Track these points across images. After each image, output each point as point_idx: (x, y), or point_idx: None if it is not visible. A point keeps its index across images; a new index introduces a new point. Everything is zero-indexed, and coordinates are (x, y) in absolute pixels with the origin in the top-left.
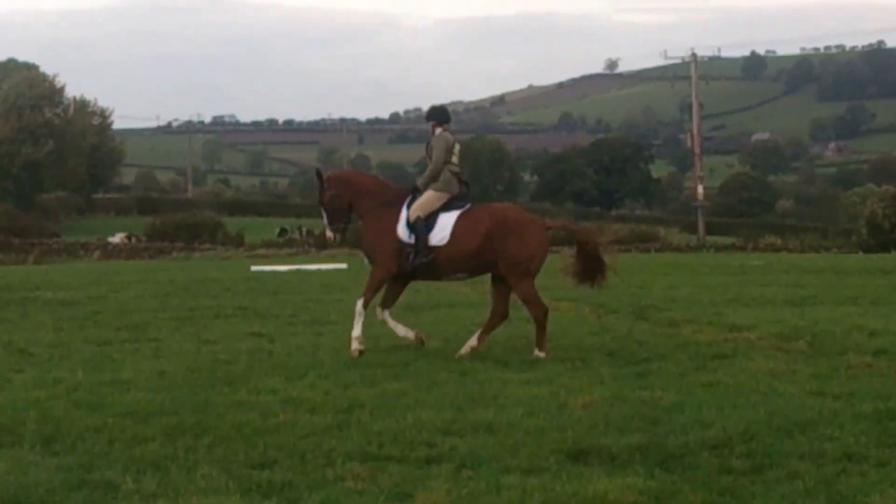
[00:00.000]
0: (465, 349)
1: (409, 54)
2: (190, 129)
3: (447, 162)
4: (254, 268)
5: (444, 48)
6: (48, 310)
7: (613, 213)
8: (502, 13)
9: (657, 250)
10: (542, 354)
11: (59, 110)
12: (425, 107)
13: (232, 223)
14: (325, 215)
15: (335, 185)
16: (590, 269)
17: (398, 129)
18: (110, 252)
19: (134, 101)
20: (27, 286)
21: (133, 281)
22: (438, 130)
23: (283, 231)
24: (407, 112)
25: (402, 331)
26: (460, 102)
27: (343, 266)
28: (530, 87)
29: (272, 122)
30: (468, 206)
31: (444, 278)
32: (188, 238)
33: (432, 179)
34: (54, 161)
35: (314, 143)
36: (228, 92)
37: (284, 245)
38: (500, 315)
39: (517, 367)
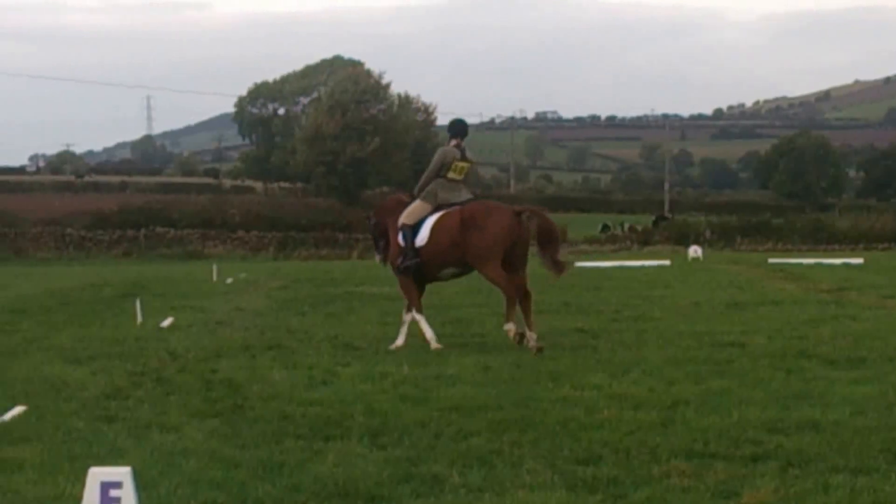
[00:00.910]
0: (511, 334)
1: (733, 49)
2: (513, 125)
3: (439, 175)
4: (577, 263)
5: (768, 43)
6: (373, 304)
7: None
8: (828, 7)
9: None
10: (510, 327)
11: (383, 106)
12: (749, 103)
13: (554, 219)
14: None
15: (374, 214)
16: (549, 258)
17: (721, 124)
18: None
19: (457, 97)
20: (352, 281)
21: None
22: (452, 143)
23: (605, 227)
24: (730, 108)
25: (428, 332)
26: (784, 98)
27: (666, 263)
28: (856, 81)
29: (594, 117)
30: (456, 206)
31: (433, 276)
32: None
33: (420, 189)
34: (379, 157)
35: (636, 139)
36: (551, 88)
37: (607, 241)
38: (521, 294)
39: (844, 366)
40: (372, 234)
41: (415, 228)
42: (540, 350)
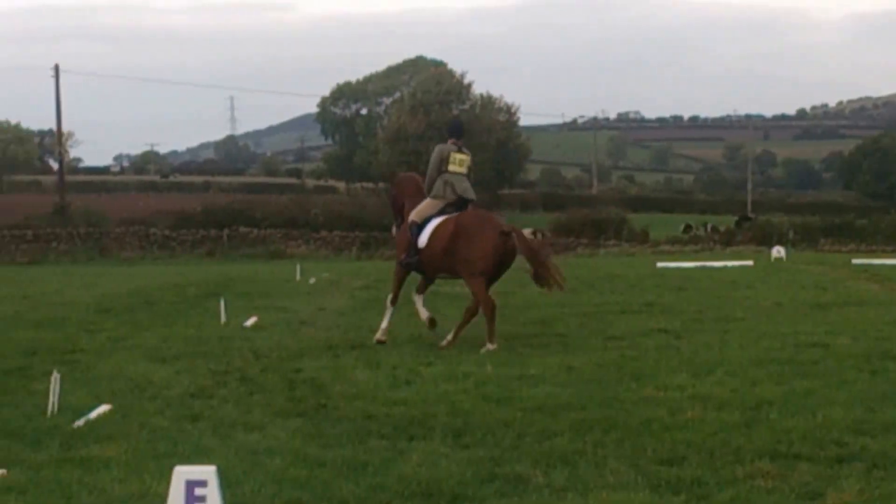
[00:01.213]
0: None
1: (817, 49)
2: (595, 125)
3: (442, 171)
4: (659, 264)
5: (852, 42)
6: (456, 304)
7: None
8: None
9: None
10: (491, 346)
11: (465, 107)
12: (833, 103)
13: (636, 219)
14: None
15: (394, 185)
16: (540, 274)
17: (805, 125)
18: None
19: (540, 98)
20: (434, 281)
21: None
22: (450, 142)
23: (687, 227)
24: (814, 108)
25: (423, 313)
26: (868, 98)
27: (749, 263)
28: None
29: (677, 118)
30: (455, 214)
31: (431, 276)
32: (593, 234)
33: (428, 189)
34: None
35: (719, 140)
36: (634, 88)
37: (689, 242)
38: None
39: None
40: (390, 204)
41: (421, 227)
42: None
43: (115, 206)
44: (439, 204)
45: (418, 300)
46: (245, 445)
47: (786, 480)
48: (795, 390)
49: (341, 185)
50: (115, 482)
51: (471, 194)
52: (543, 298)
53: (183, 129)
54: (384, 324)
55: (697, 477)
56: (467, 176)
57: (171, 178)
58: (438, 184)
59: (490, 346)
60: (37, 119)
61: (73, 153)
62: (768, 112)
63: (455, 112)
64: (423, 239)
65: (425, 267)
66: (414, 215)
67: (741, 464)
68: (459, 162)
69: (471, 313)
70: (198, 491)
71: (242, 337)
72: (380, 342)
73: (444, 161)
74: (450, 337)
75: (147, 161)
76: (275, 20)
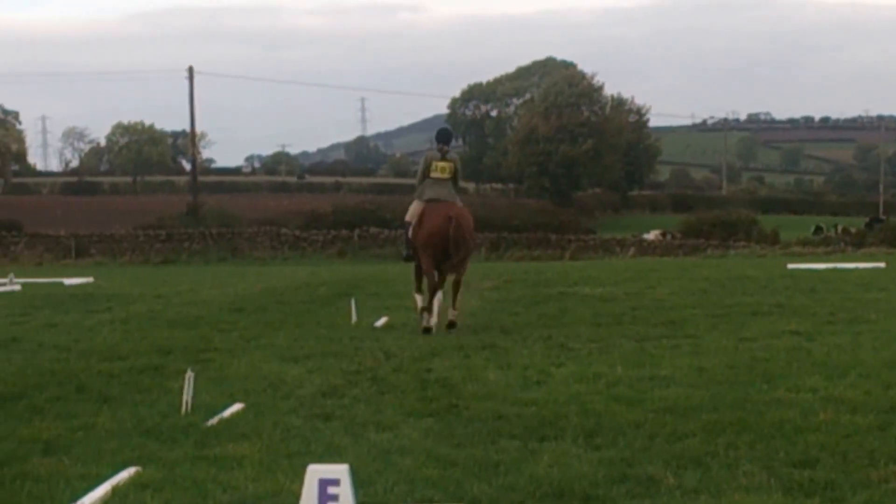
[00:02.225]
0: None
1: None
2: (725, 126)
3: (426, 176)
4: (790, 265)
5: None
6: (586, 305)
7: None
8: None
9: None
10: (430, 318)
11: (596, 108)
12: None
13: (766, 221)
14: None
15: None
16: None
17: None
18: (645, 249)
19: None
20: (565, 282)
21: (669, 278)
22: (436, 147)
23: (818, 229)
24: None
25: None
26: None
27: (881, 265)
28: None
29: (808, 119)
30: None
31: (427, 266)
32: (723, 235)
33: (416, 193)
34: (591, 159)
35: (850, 141)
36: (764, 89)
37: (820, 243)
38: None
39: None
40: None
41: (410, 224)
42: (451, 325)
43: (246, 206)
44: (421, 205)
45: (426, 299)
46: (377, 445)
47: None
48: None
49: (471, 185)
50: (249, 480)
51: (445, 197)
52: (673, 300)
53: (314, 130)
54: (433, 307)
55: (831, 480)
56: (451, 179)
57: (301, 179)
58: (420, 189)
59: (428, 317)
60: (170, 120)
61: (205, 154)
62: None
63: (585, 114)
64: (410, 232)
65: (419, 256)
66: (407, 216)
67: (875, 467)
68: (441, 169)
69: (456, 286)
70: (331, 489)
71: (373, 337)
72: (426, 329)
73: (428, 168)
74: (455, 311)
75: (278, 162)
76: (406, 21)
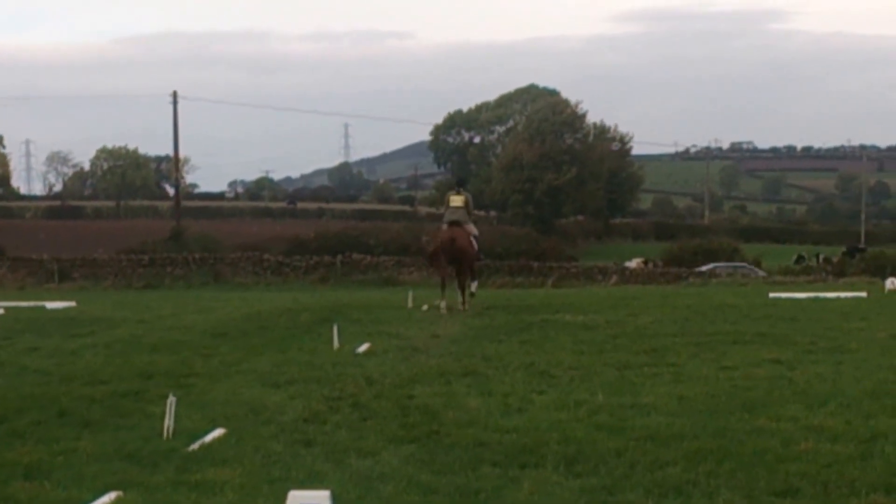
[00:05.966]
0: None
1: None
2: (708, 155)
3: (447, 207)
4: (772, 294)
5: None
6: (568, 333)
7: None
8: None
9: None
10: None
11: (579, 135)
12: None
13: (748, 249)
14: None
15: None
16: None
17: None
18: (627, 277)
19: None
20: (548, 309)
21: (650, 306)
22: (455, 188)
23: (800, 258)
24: None
25: (444, 304)
26: None
27: (862, 294)
28: None
29: (790, 148)
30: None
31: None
32: (705, 263)
33: (444, 218)
34: (574, 186)
35: (832, 171)
36: (747, 118)
37: (801, 272)
38: (459, 285)
39: None
40: None
41: None
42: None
43: (229, 231)
44: (445, 227)
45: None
46: (358, 471)
47: None
48: None
49: None
50: None
51: (459, 219)
52: (655, 327)
53: (298, 156)
54: (444, 299)
55: None
56: (464, 208)
57: (291, 205)
58: (445, 215)
59: (441, 304)
60: (154, 145)
61: (188, 179)
62: (882, 143)
63: (569, 141)
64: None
65: (435, 261)
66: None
67: (856, 496)
68: (454, 201)
69: (461, 287)
70: None
71: (355, 363)
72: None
73: (448, 201)
74: (466, 306)
75: (261, 187)
76: (393, 48)
